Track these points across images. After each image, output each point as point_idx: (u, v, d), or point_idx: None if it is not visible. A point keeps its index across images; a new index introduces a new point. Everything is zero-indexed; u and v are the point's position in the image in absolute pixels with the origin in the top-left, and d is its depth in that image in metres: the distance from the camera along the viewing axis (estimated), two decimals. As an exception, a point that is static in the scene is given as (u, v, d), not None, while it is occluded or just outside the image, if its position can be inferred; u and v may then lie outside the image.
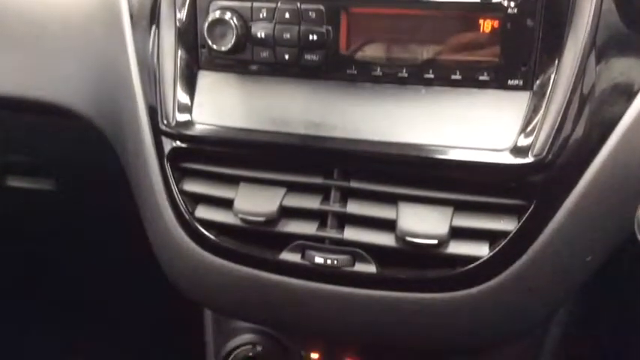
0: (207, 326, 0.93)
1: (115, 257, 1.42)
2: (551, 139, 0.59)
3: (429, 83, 0.63)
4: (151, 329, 1.53)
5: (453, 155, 0.61)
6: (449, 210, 0.63)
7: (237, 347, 0.87)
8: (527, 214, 0.61)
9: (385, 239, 0.64)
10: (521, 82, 0.61)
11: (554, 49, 0.59)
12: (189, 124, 0.69)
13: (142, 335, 1.54)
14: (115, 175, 0.85)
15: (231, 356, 0.87)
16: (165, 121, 0.70)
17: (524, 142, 0.60)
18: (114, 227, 1.27)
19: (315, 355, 0.84)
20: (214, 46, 0.65)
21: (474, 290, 0.63)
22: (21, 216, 1.39)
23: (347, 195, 0.66)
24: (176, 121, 0.69)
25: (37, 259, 1.57)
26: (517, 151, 0.60)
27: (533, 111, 0.60)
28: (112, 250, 1.39)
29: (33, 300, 1.64)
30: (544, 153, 0.59)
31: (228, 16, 0.64)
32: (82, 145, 1.04)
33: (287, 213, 0.67)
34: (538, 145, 0.59)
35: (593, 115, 0.61)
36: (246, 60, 0.67)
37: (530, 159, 0.59)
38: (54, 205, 1.29)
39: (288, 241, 0.67)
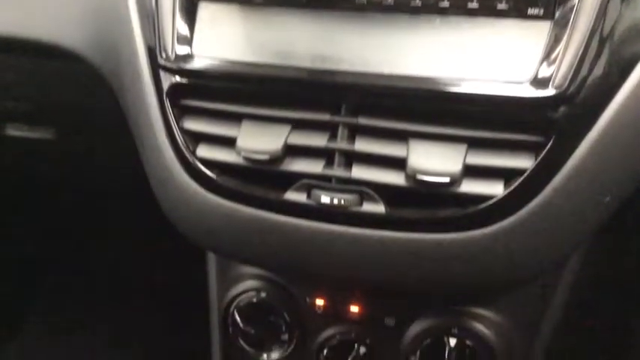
0: (211, 274, 0.91)
1: (117, 206, 1.41)
2: (572, 71, 0.56)
3: (443, 12, 0.59)
4: (153, 280, 1.53)
5: (468, 88, 0.58)
6: (462, 147, 0.60)
7: (241, 294, 0.85)
8: (545, 150, 0.58)
9: (395, 178, 0.62)
10: (541, 11, 0.57)
11: None
12: (189, 57, 0.66)
13: (143, 287, 1.54)
14: (115, 123, 0.82)
15: (235, 303, 0.86)
16: (163, 55, 0.66)
17: (544, 73, 0.56)
18: (115, 176, 1.25)
19: (320, 302, 0.83)
20: None
21: (486, 230, 0.60)
22: (21, 166, 1.37)
23: (355, 132, 0.63)
24: (175, 55, 0.66)
25: (38, 210, 1.56)
26: (537, 82, 0.56)
27: (554, 41, 0.57)
28: (114, 199, 1.38)
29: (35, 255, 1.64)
30: (565, 85, 0.56)
31: None
32: (81, 91, 1.01)
33: (292, 151, 0.64)
34: (559, 76, 0.56)
35: (617, 48, 0.57)
36: (250, -12, 0.63)
37: (551, 91, 0.56)
38: (54, 155, 1.27)
39: (293, 180, 0.65)
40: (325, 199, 0.63)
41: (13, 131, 1.18)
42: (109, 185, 1.32)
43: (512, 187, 0.59)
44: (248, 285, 0.85)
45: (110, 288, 1.59)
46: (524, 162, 0.59)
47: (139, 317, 1.55)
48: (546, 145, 0.58)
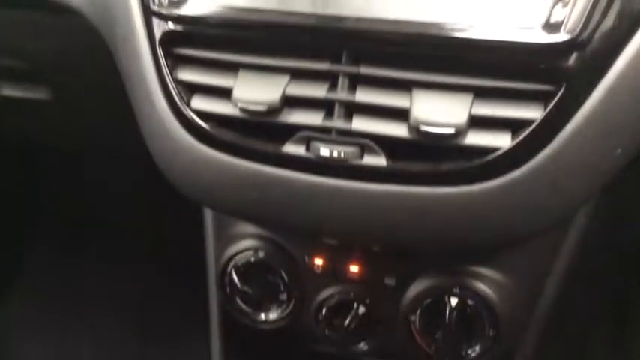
0: (208, 233, 0.89)
1: (114, 165, 1.39)
2: (585, 16, 0.53)
3: None
4: (150, 241, 1.52)
5: (476, 34, 0.55)
6: (468, 97, 0.57)
7: (238, 253, 0.84)
8: (554, 100, 0.55)
9: (397, 129, 0.59)
10: None
11: None
12: (182, 3, 0.63)
13: (141, 247, 1.53)
14: (112, 83, 0.79)
15: (232, 262, 0.84)
16: (156, 0, 0.63)
17: (556, 18, 0.54)
18: (113, 136, 1.23)
19: (319, 261, 0.81)
20: None
21: (492, 184, 0.58)
22: (19, 128, 1.35)
23: (356, 82, 0.61)
24: (169, 0, 0.63)
25: (35, 172, 1.54)
26: (548, 28, 0.53)
27: None
28: (111, 159, 1.36)
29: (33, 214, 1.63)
30: (578, 30, 0.53)
31: None
32: (76, 49, 0.99)
33: (290, 102, 0.62)
34: (571, 21, 0.53)
35: None
36: None
37: (562, 37, 0.53)
38: (51, 118, 1.25)
39: (291, 132, 0.62)
40: (325, 151, 0.61)
41: (8, 91, 1.16)
42: (106, 145, 1.30)
43: (519, 139, 0.56)
44: (246, 244, 0.83)
45: (106, 246, 1.58)
46: (532, 112, 0.56)
47: (136, 276, 1.55)
48: (556, 94, 0.55)
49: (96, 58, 0.88)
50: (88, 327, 1.56)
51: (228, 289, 0.86)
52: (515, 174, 0.57)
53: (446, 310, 0.75)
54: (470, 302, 0.75)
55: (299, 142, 0.62)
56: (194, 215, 0.91)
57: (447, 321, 0.75)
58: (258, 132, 0.64)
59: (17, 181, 1.59)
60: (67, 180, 1.57)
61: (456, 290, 0.75)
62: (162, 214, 1.32)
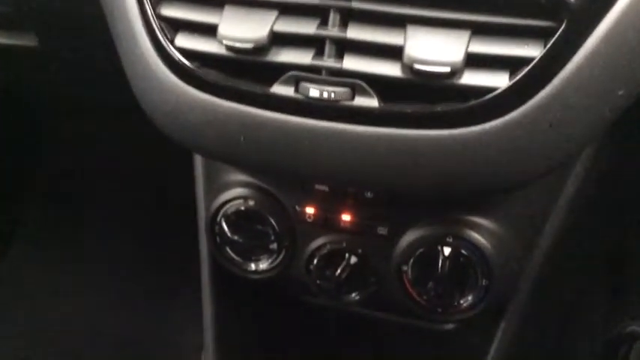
0: (198, 181, 0.87)
1: (104, 113, 1.37)
2: None
3: None
4: (141, 189, 1.50)
5: None
6: (465, 34, 0.54)
7: (228, 202, 0.82)
8: (555, 37, 0.52)
9: (390, 69, 0.56)
10: None
11: None
12: None
13: (130, 195, 1.52)
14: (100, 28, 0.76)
15: (222, 211, 0.82)
16: None
17: None
18: (103, 83, 1.20)
19: (310, 210, 0.79)
20: None
21: (487, 126, 0.55)
22: (11, 77, 1.32)
23: (348, 18, 0.57)
24: None
25: (23, 121, 1.52)
26: None
27: None
28: (101, 107, 1.33)
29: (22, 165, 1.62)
30: None
31: None
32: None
33: (279, 40, 0.59)
34: None
35: None
36: None
37: None
38: (38, 65, 1.22)
39: (279, 72, 0.59)
40: (314, 92, 0.58)
41: (-5, 38, 1.12)
42: (95, 93, 1.27)
43: (517, 78, 0.54)
44: (236, 192, 0.81)
45: (101, 198, 1.57)
46: (531, 50, 0.54)
47: (131, 228, 1.54)
48: (557, 30, 0.52)
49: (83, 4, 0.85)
50: (83, 278, 1.56)
51: (218, 239, 0.84)
52: (513, 115, 0.55)
53: (439, 260, 0.74)
54: (463, 252, 0.73)
55: (287, 82, 0.59)
56: (185, 166, 0.89)
57: (439, 271, 0.74)
58: (245, 72, 0.61)
59: (13, 132, 1.57)
60: (62, 130, 1.55)
61: (450, 240, 0.73)
62: (157, 164, 1.31)
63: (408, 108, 0.57)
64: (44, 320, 1.52)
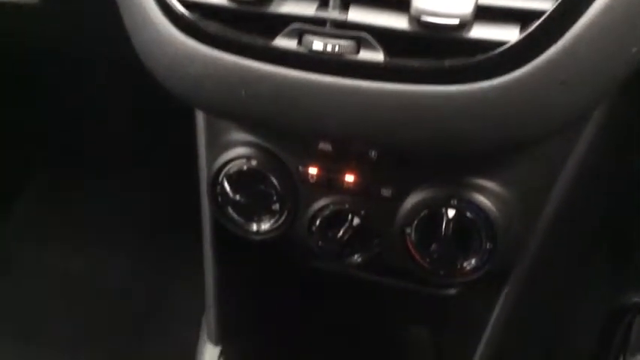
0: (200, 140, 0.86)
1: (108, 71, 1.35)
2: None
3: None
4: (142, 147, 1.50)
5: None
6: None
7: (230, 161, 0.80)
8: None
9: (396, 21, 0.55)
10: None
11: None
12: None
13: (135, 154, 1.52)
14: None
15: (224, 171, 0.81)
16: None
17: None
18: (106, 41, 1.19)
19: (313, 170, 0.78)
20: None
21: (496, 81, 0.54)
22: (8, 35, 1.31)
23: None
24: None
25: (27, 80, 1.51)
26: None
27: None
28: (104, 65, 1.32)
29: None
30: None
31: None
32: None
33: None
34: None
35: None
36: None
37: None
38: (41, 24, 1.20)
39: (282, 24, 0.58)
40: (318, 45, 0.56)
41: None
42: (98, 50, 1.25)
43: (528, 31, 0.52)
44: (238, 152, 0.80)
45: (106, 155, 1.57)
46: (543, 3, 0.52)
47: (136, 186, 1.54)
48: None
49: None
50: (87, 237, 1.57)
51: (219, 199, 0.83)
52: (523, 71, 0.53)
53: (442, 222, 0.73)
54: (468, 214, 0.72)
55: (291, 35, 0.58)
56: (187, 125, 0.88)
57: (443, 233, 0.73)
58: (247, 24, 0.59)
59: (17, 88, 1.57)
60: (62, 86, 1.54)
61: (454, 202, 0.72)
62: (160, 122, 1.30)
63: (415, 62, 0.55)
64: (46, 271, 1.53)
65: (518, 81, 0.53)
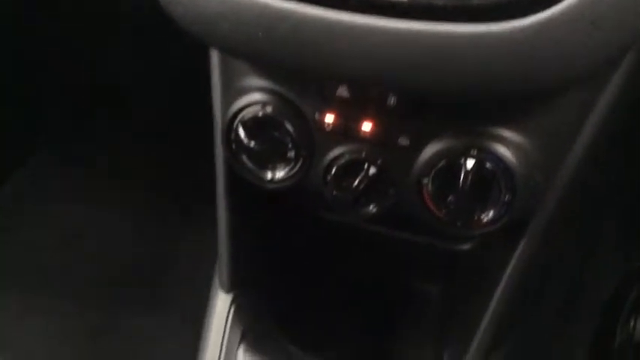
0: (215, 85, 0.84)
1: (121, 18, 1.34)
2: None
3: None
4: (155, 100, 1.49)
5: None
6: None
7: (245, 107, 0.79)
8: None
9: None
10: None
11: None
12: None
13: (144, 109, 1.51)
14: None
15: (239, 117, 0.80)
16: None
17: None
18: None
19: (329, 117, 0.76)
20: None
21: (526, 21, 0.52)
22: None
23: None
24: None
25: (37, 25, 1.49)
26: None
27: None
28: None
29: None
30: None
31: None
32: None
33: None
34: None
35: None
36: None
37: None
38: None
39: None
40: (339, -20, 0.55)
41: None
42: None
43: None
44: (253, 98, 0.78)
45: (112, 108, 1.57)
46: None
47: (140, 141, 1.54)
48: None
49: None
50: (100, 199, 1.57)
51: (234, 145, 0.82)
52: (554, 10, 0.51)
53: (461, 173, 0.71)
54: (487, 165, 0.70)
55: None
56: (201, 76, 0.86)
57: (461, 185, 0.71)
58: None
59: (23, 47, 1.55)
60: (77, 39, 1.53)
61: (474, 152, 0.70)
62: (170, 67, 1.29)
63: (441, 0, 0.53)
64: (60, 224, 1.54)
65: (548, 21, 0.51)
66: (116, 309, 1.44)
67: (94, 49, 1.56)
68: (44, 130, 1.68)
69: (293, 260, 1.13)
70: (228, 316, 0.97)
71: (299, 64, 0.63)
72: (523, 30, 0.52)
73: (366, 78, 0.62)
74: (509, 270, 0.87)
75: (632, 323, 1.12)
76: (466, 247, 0.95)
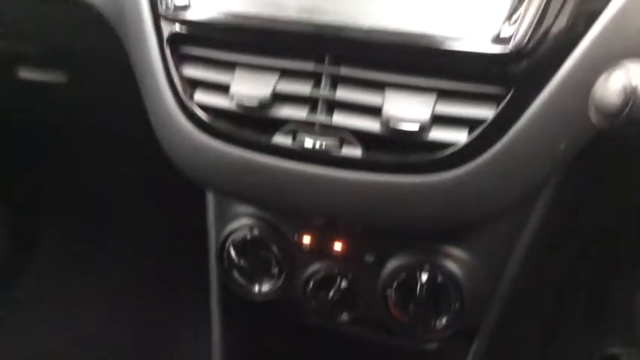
0: (210, 213, 0.98)
1: (125, 148, 1.47)
2: (532, 29, 0.61)
3: None
4: (157, 219, 1.60)
5: (440, 43, 0.64)
6: (432, 97, 0.66)
7: (236, 230, 0.93)
8: (504, 101, 0.64)
9: (371, 124, 0.68)
10: None
11: None
12: (187, 7, 0.72)
13: (147, 225, 1.62)
14: (123, 68, 0.88)
15: (230, 239, 0.93)
16: (163, 5, 0.73)
17: (506, 32, 0.62)
18: (126, 119, 1.31)
19: (306, 239, 0.90)
20: None
21: (451, 174, 0.67)
22: (34, 109, 1.43)
23: (337, 81, 0.70)
24: (174, 5, 0.72)
25: (49, 151, 1.63)
26: (499, 40, 0.62)
27: (518, 2, 0.62)
28: (123, 141, 1.44)
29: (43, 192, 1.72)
30: (524, 42, 0.61)
31: None
32: (90, 36, 1.06)
33: (280, 98, 0.71)
34: (519, 34, 0.62)
35: (576, 6, 0.63)
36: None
37: (510, 48, 0.62)
38: (66, 99, 1.32)
39: (280, 124, 0.72)
40: (308, 142, 0.70)
41: (25, 74, 1.23)
42: (118, 128, 1.38)
43: (474, 135, 0.65)
44: (242, 223, 0.92)
45: (118, 225, 1.67)
46: (486, 112, 0.65)
47: (145, 255, 1.64)
48: (506, 96, 0.64)
49: (108, 49, 0.96)
50: (99, 294, 1.64)
51: (226, 263, 0.95)
52: (471, 165, 0.66)
53: (417, 285, 0.84)
54: (439, 278, 0.84)
55: (286, 133, 0.71)
56: (198, 198, 1.00)
57: (418, 295, 0.84)
58: (252, 123, 0.73)
59: (33, 161, 1.68)
60: (83, 159, 1.66)
61: (427, 267, 0.83)
62: (170, 197, 1.41)
63: (386, 157, 0.69)
64: (56, 327, 1.60)
65: (467, 173, 0.66)
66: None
67: (100, 168, 1.68)
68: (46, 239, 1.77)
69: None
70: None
71: (278, 203, 0.78)
72: (448, 180, 0.67)
73: (331, 215, 0.77)
74: None
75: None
76: (432, 346, 1.06)
